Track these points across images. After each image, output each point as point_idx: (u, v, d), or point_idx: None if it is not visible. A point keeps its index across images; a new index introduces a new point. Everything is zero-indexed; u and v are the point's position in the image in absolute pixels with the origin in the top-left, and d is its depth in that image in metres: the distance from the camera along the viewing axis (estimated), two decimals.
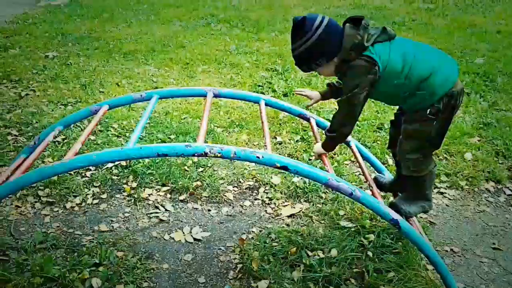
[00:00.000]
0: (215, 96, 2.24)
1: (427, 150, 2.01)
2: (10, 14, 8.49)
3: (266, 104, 2.31)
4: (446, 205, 2.87)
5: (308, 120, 2.35)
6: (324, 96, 2.35)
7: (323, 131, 2.17)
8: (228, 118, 4.02)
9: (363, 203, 1.72)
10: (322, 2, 8.88)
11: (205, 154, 1.60)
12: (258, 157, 1.63)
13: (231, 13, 7.88)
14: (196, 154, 1.59)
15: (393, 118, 2.28)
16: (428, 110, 1.91)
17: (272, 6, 8.48)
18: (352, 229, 2.57)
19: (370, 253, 2.38)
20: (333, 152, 3.01)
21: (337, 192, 2.85)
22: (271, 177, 3.12)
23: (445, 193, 2.97)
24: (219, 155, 1.60)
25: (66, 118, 2.25)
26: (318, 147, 2.08)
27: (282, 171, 3.16)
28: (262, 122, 2.12)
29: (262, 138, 3.71)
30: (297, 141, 3.62)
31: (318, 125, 2.32)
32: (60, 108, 4.32)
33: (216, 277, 2.34)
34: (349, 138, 2.31)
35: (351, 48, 1.85)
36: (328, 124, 2.36)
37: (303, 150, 3.43)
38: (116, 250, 2.48)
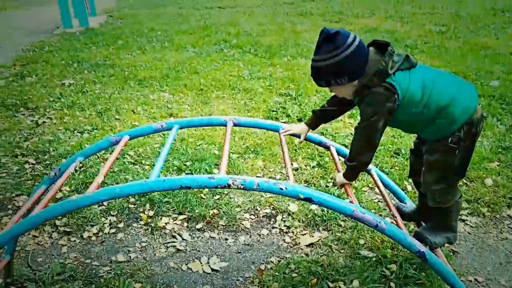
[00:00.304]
0: (235, 125, 2.24)
1: (452, 180, 1.98)
2: (27, 42, 8.71)
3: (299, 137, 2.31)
4: (468, 233, 2.81)
5: (328, 148, 2.33)
6: (311, 126, 2.33)
7: (344, 160, 2.14)
8: (243, 144, 4.02)
9: (388, 235, 1.68)
10: (333, 27, 8.95)
11: (228, 186, 1.59)
12: (281, 188, 1.62)
13: (244, 39, 7.97)
14: (219, 186, 1.59)
15: (412, 145, 2.26)
16: (450, 139, 1.89)
17: (283, 31, 8.57)
18: (373, 259, 2.52)
19: (392, 284, 2.32)
20: None
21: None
22: (288, 205, 3.09)
23: (467, 220, 2.91)
24: (242, 187, 1.59)
25: (86, 150, 2.26)
26: (340, 177, 2.05)
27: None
28: (283, 152, 2.11)
29: (277, 164, 3.70)
30: (313, 167, 3.60)
31: (338, 153, 2.30)
32: (77, 136, 4.36)
33: None
34: (370, 166, 2.28)
35: (375, 74, 1.83)
36: (346, 151, 2.34)
37: (320, 177, 3.41)
38: (134, 281, 2.46)
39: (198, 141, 4.12)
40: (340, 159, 2.31)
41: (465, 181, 3.27)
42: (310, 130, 2.37)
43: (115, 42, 8.13)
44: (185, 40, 8.13)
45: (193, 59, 6.83)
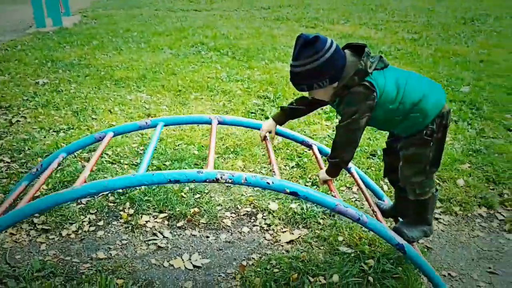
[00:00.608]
0: (220, 123, 2.27)
1: (429, 172, 2.08)
2: None
3: (270, 132, 2.35)
4: (442, 230, 2.92)
5: (310, 147, 2.39)
6: (280, 122, 2.39)
7: (326, 157, 2.20)
8: (223, 144, 4.05)
9: (370, 228, 1.75)
10: (310, 32, 9.09)
11: (217, 180, 1.62)
12: (268, 183, 1.66)
13: (221, 42, 8.01)
14: (207, 180, 1.62)
15: (385, 146, 2.35)
16: (424, 132, 2.00)
17: (260, 35, 8.65)
18: (352, 255, 2.59)
19: (371, 279, 2.39)
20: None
21: (335, 218, 2.90)
22: (269, 203, 3.14)
23: (440, 218, 3.02)
24: (230, 181, 1.63)
25: (69, 146, 2.25)
26: (323, 174, 2.11)
27: (279, 197, 3.20)
28: (268, 150, 2.16)
29: (257, 164, 3.74)
30: (292, 167, 3.66)
31: (320, 151, 2.36)
32: (52, 135, 4.29)
33: None
34: (350, 164, 2.35)
35: (355, 73, 1.91)
36: (327, 149, 2.41)
37: (299, 176, 3.47)
38: (116, 277, 2.45)
39: (177, 141, 4.12)
40: (322, 158, 2.37)
41: (438, 181, 3.39)
42: (278, 125, 2.42)
43: (89, 42, 8.03)
44: (161, 41, 8.10)
45: (170, 61, 6.82)
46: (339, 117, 2.06)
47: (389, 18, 10.81)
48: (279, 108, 2.40)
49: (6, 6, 13.57)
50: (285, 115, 2.39)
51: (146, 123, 2.23)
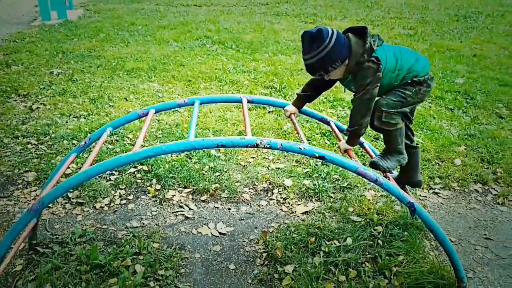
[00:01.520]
0: (249, 102, 2.55)
1: (400, 110, 2.36)
2: (4, 33, 8.69)
3: (293, 113, 2.65)
4: (441, 203, 3.22)
5: (328, 123, 2.68)
6: (299, 106, 2.69)
7: (345, 129, 2.48)
8: (236, 129, 4.33)
9: (385, 188, 2.03)
10: (308, 27, 9.37)
11: (257, 145, 1.90)
12: (300, 148, 1.94)
13: (225, 35, 8.26)
14: (249, 145, 1.89)
15: None
16: (412, 79, 2.36)
17: (262, 30, 8.91)
18: (362, 223, 2.89)
19: (380, 242, 2.69)
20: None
21: (345, 192, 3.19)
22: (283, 180, 3.42)
23: (439, 193, 3.32)
24: (268, 146, 1.90)
25: (115, 121, 2.51)
26: (343, 144, 2.40)
27: (293, 175, 3.48)
28: (294, 124, 2.45)
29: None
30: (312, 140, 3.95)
31: (337, 127, 2.65)
32: (73, 120, 4.54)
33: (245, 264, 2.61)
34: (363, 140, 2.63)
35: (364, 52, 2.24)
36: (343, 126, 2.70)
37: (309, 157, 3.75)
38: (152, 241, 2.72)
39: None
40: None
41: (437, 160, 3.70)
42: (298, 111, 2.72)
43: (96, 35, 8.25)
44: (166, 35, 8.34)
45: (178, 53, 7.07)
46: (349, 91, 2.39)
47: (385, 15, 11.12)
48: (296, 95, 2.70)
49: None
50: (301, 101, 2.68)
51: (184, 101, 2.49)
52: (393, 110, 2.36)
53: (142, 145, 1.97)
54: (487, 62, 6.69)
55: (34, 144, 4.00)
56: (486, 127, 4.40)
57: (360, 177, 3.41)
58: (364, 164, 2.34)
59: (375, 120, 2.38)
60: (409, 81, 2.36)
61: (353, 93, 2.36)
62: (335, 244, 2.68)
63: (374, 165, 2.44)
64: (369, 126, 2.41)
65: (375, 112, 2.37)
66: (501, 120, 4.61)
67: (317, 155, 1.96)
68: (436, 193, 3.32)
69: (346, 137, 2.42)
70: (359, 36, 2.30)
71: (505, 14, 11.24)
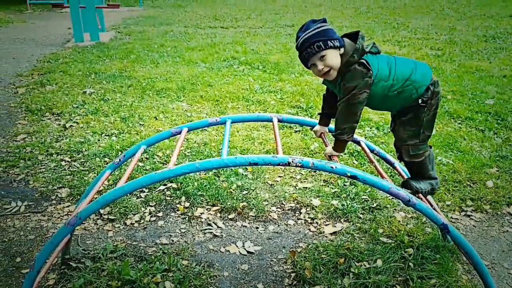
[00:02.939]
0: (279, 121, 2.58)
1: (422, 135, 2.33)
2: (39, 54, 9.04)
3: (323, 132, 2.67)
4: (473, 226, 3.16)
5: (358, 143, 2.67)
6: (325, 124, 2.70)
7: (332, 134, 2.43)
8: (263, 148, 4.36)
9: (418, 209, 2.01)
10: None
11: (288, 164, 1.92)
12: (332, 167, 1.95)
13: (251, 56, 8.38)
14: (281, 164, 1.91)
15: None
16: (420, 100, 2.28)
17: (288, 51, 9.01)
18: (392, 244, 2.85)
19: (411, 264, 2.65)
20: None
21: (374, 213, 3.16)
22: (311, 200, 3.42)
23: (472, 215, 3.25)
24: (299, 164, 1.92)
25: (149, 139, 2.57)
26: (329, 149, 2.36)
27: (321, 194, 3.48)
28: (325, 142, 2.46)
29: (295, 168, 4.01)
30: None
31: (367, 146, 2.65)
32: (105, 138, 4.66)
33: (273, 284, 2.60)
34: (394, 160, 2.62)
35: (354, 51, 2.21)
36: (373, 146, 2.70)
37: (338, 177, 3.74)
38: (181, 258, 2.75)
39: (219, 145, 4.44)
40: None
41: (468, 182, 3.64)
42: (325, 128, 2.72)
43: (127, 56, 8.48)
44: (195, 56, 8.51)
45: (205, 74, 7.20)
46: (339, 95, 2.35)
47: (411, 36, 11.08)
48: (318, 115, 2.71)
49: (37, 21, 14.27)
50: (325, 119, 2.70)
51: (216, 120, 2.54)
52: (419, 140, 2.33)
53: (175, 163, 2.02)
54: None
55: (68, 161, 4.11)
56: None
57: (390, 197, 3.41)
58: (395, 184, 2.32)
59: (404, 156, 2.37)
60: (418, 102, 2.29)
61: (339, 97, 2.32)
62: (365, 265, 2.65)
63: (406, 185, 2.41)
64: (399, 161, 2.39)
65: (401, 148, 2.37)
66: None
67: (349, 174, 1.96)
68: (468, 216, 3.25)
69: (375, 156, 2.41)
70: (352, 39, 2.30)
71: None
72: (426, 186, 2.44)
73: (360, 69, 2.19)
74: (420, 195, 2.36)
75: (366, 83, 2.19)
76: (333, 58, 2.23)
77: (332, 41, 2.20)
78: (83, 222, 3.19)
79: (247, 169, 3.92)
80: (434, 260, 2.65)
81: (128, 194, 3.45)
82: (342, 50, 2.23)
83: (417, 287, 2.45)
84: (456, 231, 2.07)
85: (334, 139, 2.34)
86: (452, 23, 13.30)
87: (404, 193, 2.01)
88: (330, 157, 2.38)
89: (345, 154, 4.20)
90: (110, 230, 3.12)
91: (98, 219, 3.24)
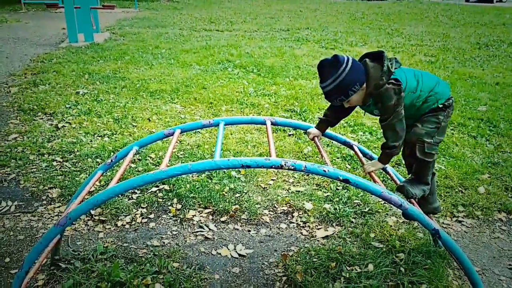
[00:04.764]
0: (273, 124, 2.58)
1: (436, 137, 2.41)
2: (32, 54, 8.98)
3: (316, 136, 2.67)
4: (465, 232, 3.17)
5: (351, 147, 2.68)
6: (322, 130, 2.72)
7: (381, 145, 2.48)
8: (256, 151, 4.35)
9: (410, 213, 2.01)
10: (329, 53, 9.46)
11: (281, 167, 1.91)
12: (324, 170, 1.95)
13: (246, 60, 8.38)
14: (273, 166, 1.91)
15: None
16: (442, 104, 2.40)
17: (283, 54, 9.03)
18: (384, 249, 2.85)
19: (402, 269, 2.65)
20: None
21: (366, 218, 3.16)
22: (304, 203, 3.41)
23: (463, 221, 3.26)
24: (292, 167, 1.91)
25: (141, 140, 2.56)
26: (374, 163, 2.42)
27: (313, 198, 3.47)
28: (318, 147, 2.47)
29: (288, 171, 4.01)
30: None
31: (360, 150, 2.66)
32: (98, 139, 4.63)
33: (264, 287, 2.59)
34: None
35: (382, 75, 2.28)
36: (366, 150, 2.71)
37: (330, 181, 3.74)
38: (171, 261, 2.73)
39: (213, 147, 4.43)
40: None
41: (460, 188, 3.65)
42: (321, 133, 2.75)
43: (122, 57, 8.46)
44: (189, 58, 8.51)
45: (200, 76, 7.19)
46: (371, 116, 2.42)
47: (405, 42, 11.15)
48: (319, 119, 2.73)
49: (31, 21, 14.20)
50: (324, 125, 2.71)
51: (209, 122, 2.53)
52: (433, 140, 2.41)
53: (167, 164, 2.00)
54: (510, 90, 6.62)
55: (59, 162, 4.08)
56: (510, 156, 4.33)
57: (382, 202, 3.41)
58: (387, 189, 2.32)
59: (418, 152, 2.42)
60: (438, 106, 2.39)
61: (378, 117, 2.39)
62: (356, 270, 2.65)
63: (401, 190, 2.46)
64: (411, 156, 2.46)
65: (415, 144, 2.41)
66: None
67: (341, 178, 1.96)
68: (460, 221, 3.26)
69: (369, 161, 2.43)
70: (376, 61, 2.36)
71: None
72: (419, 192, 2.49)
73: (393, 87, 2.27)
74: (412, 200, 2.37)
75: (401, 98, 2.29)
76: (356, 98, 2.36)
77: (353, 89, 2.29)
78: (74, 223, 3.18)
79: (240, 172, 3.91)
80: (425, 265, 2.65)
81: (120, 196, 3.44)
82: (365, 85, 2.31)
83: None
84: (448, 236, 2.07)
85: (381, 151, 2.42)
86: (446, 30, 13.41)
87: (396, 197, 2.01)
88: (368, 173, 2.43)
89: (338, 158, 4.21)
90: (101, 231, 3.09)
91: (89, 220, 3.22)
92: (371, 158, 2.71)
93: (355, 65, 2.29)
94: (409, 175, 2.61)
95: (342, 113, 2.67)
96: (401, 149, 2.48)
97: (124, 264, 2.71)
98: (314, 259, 2.77)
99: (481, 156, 4.31)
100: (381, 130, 2.50)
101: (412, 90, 2.35)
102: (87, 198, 2.31)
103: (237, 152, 4.30)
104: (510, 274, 2.73)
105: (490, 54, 9.63)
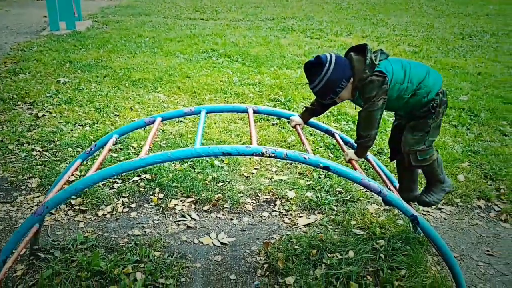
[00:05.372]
0: (255, 112, 2.56)
1: (428, 141, 2.41)
2: (13, 42, 8.80)
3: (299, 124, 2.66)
4: (444, 219, 3.21)
5: (333, 135, 2.69)
6: (305, 119, 2.70)
7: (354, 140, 2.48)
8: (240, 140, 4.34)
9: (388, 200, 2.03)
10: (314, 43, 9.44)
11: (262, 154, 1.90)
12: (305, 157, 1.95)
13: (231, 49, 8.33)
14: (254, 154, 1.90)
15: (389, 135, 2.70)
16: (430, 105, 2.36)
17: (268, 44, 8.98)
18: (364, 236, 2.88)
19: (382, 255, 2.68)
20: None
21: (348, 205, 3.18)
22: (286, 192, 3.42)
23: (442, 208, 3.31)
24: (273, 155, 1.91)
25: (121, 128, 2.53)
26: (351, 153, 2.41)
27: (296, 186, 3.48)
28: (300, 134, 2.46)
29: (271, 160, 4.01)
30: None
31: (341, 138, 2.67)
32: (78, 128, 4.57)
33: (246, 275, 2.60)
34: (367, 153, 2.62)
35: (365, 68, 2.27)
36: (347, 138, 2.71)
37: (313, 169, 3.75)
38: (153, 250, 2.72)
39: (195, 137, 4.40)
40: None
41: None
42: (304, 123, 2.74)
43: (104, 46, 8.33)
44: (173, 47, 8.41)
45: (184, 65, 7.13)
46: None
47: (390, 32, 11.18)
48: (304, 108, 2.72)
49: (12, 9, 13.89)
50: (308, 114, 2.70)
51: (191, 110, 2.51)
52: (425, 144, 2.41)
53: (147, 152, 1.98)
54: (492, 80, 6.70)
55: (39, 151, 4.02)
56: (490, 144, 4.40)
57: (364, 190, 3.43)
58: (368, 176, 2.33)
59: (412, 161, 2.44)
60: (429, 101, 2.35)
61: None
62: (337, 256, 2.67)
63: (422, 203, 2.50)
64: (407, 165, 2.49)
65: (408, 154, 2.43)
66: (505, 137, 4.60)
67: (321, 165, 1.96)
68: (439, 209, 3.31)
69: (350, 149, 2.43)
70: (361, 54, 2.34)
71: (510, 33, 11.28)
72: (440, 196, 2.54)
73: (377, 79, 2.25)
74: (392, 187, 2.38)
75: (384, 90, 2.26)
76: (346, 93, 2.35)
77: (340, 85, 2.29)
78: (53, 212, 3.14)
79: (223, 161, 3.90)
80: (404, 251, 2.69)
81: (101, 185, 3.41)
82: (352, 79, 2.30)
83: (387, 277, 2.48)
84: (426, 222, 2.09)
85: (356, 144, 2.41)
86: (430, 21, 13.47)
87: (375, 184, 2.02)
88: (349, 161, 2.43)
89: (321, 147, 4.22)
90: (81, 221, 3.06)
91: (69, 210, 3.18)
92: (352, 147, 2.72)
93: (339, 61, 2.29)
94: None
95: (329, 104, 2.64)
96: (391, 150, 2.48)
97: (104, 253, 2.69)
98: (296, 247, 2.78)
99: (461, 144, 4.36)
100: None
101: (399, 82, 2.31)
102: (65, 187, 2.28)
103: (221, 141, 4.29)
104: (488, 259, 2.78)
105: (473, 44, 9.72)
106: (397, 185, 2.78)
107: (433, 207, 2.50)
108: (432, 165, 2.47)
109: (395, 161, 2.78)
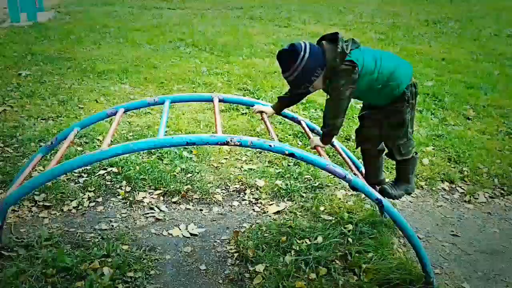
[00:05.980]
0: (220, 100, 2.54)
1: (409, 133, 2.46)
2: None
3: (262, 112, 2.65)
4: (410, 201, 3.28)
5: (299, 122, 2.70)
6: (277, 110, 2.67)
7: (320, 128, 2.49)
8: (209, 131, 4.31)
9: (353, 184, 2.06)
10: (282, 31, 9.44)
11: (227, 143, 1.89)
12: (270, 145, 1.94)
13: (198, 38, 8.23)
14: (219, 143, 1.88)
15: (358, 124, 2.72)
16: (402, 99, 2.36)
17: (236, 33, 8.92)
18: (333, 221, 2.91)
19: (350, 239, 2.72)
20: None
21: (316, 192, 3.21)
22: (256, 181, 3.42)
23: None
24: (238, 143, 1.90)
25: (83, 121, 2.46)
26: (316, 140, 2.41)
27: (265, 175, 3.49)
28: (265, 122, 2.45)
29: (240, 149, 3.98)
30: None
31: (307, 126, 2.67)
32: (41, 122, 4.44)
33: (216, 264, 2.59)
34: (334, 139, 2.63)
35: (335, 57, 2.26)
36: (314, 126, 2.73)
37: (282, 158, 3.76)
38: (121, 244, 2.68)
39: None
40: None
41: None
42: (275, 112, 2.71)
43: (67, 37, 8.09)
44: (139, 37, 8.25)
45: (150, 55, 7.01)
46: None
47: (357, 20, 11.28)
48: (277, 98, 2.69)
49: None
50: (281, 104, 2.68)
51: (154, 100, 2.46)
52: (406, 139, 2.45)
53: (109, 144, 1.94)
54: (456, 66, 6.86)
55: (0, 147, 3.88)
56: (453, 128, 4.51)
57: (332, 176, 3.46)
58: (334, 162, 2.35)
59: (396, 155, 2.50)
60: (401, 101, 2.36)
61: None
62: (306, 242, 2.70)
63: (383, 192, 2.51)
64: (391, 159, 2.55)
65: (393, 148, 2.49)
66: (468, 121, 4.73)
67: (287, 152, 1.96)
68: None
69: (316, 136, 2.44)
70: (332, 43, 2.32)
71: (473, 19, 11.57)
72: (401, 193, 2.60)
73: (345, 68, 2.24)
74: (357, 172, 2.41)
75: (352, 79, 2.25)
76: (319, 84, 2.33)
77: (315, 74, 2.26)
78: (17, 209, 3.05)
79: (192, 152, 3.86)
80: (371, 235, 2.73)
81: (65, 179, 3.33)
82: (324, 69, 2.27)
83: (355, 261, 2.52)
84: (390, 205, 2.13)
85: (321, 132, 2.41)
86: (396, 8, 13.66)
87: (340, 169, 2.04)
88: (314, 147, 2.42)
89: (290, 135, 4.24)
90: (46, 217, 2.98)
91: (32, 206, 3.09)
92: (318, 133, 2.73)
93: (313, 50, 2.27)
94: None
95: (302, 93, 2.61)
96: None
97: (70, 249, 2.63)
98: (266, 234, 2.79)
99: (426, 129, 4.46)
100: None
101: (370, 72, 2.30)
102: (25, 183, 2.21)
103: (189, 132, 4.24)
104: (452, 240, 2.87)
105: (438, 31, 9.92)
106: (363, 170, 2.81)
107: (391, 200, 2.54)
108: (410, 160, 2.52)
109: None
